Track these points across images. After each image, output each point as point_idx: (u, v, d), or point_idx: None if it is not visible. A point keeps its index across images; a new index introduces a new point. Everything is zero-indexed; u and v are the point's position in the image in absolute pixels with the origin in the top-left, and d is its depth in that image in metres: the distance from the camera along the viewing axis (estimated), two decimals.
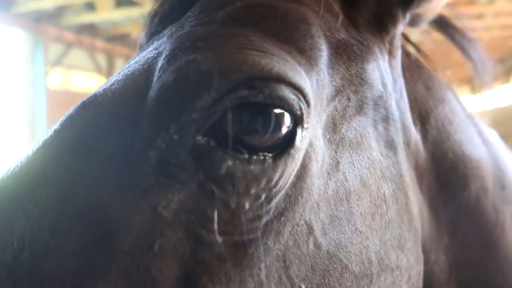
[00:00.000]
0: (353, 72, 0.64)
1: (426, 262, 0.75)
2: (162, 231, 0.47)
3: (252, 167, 0.48)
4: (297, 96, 0.50)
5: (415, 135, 0.78)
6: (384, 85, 0.70)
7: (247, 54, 0.50)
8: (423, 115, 0.82)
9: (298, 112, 0.50)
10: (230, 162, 0.48)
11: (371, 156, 0.63)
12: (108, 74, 13.83)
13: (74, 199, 0.48)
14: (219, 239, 0.47)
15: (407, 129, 0.75)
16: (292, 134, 0.50)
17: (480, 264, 0.82)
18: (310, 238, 0.52)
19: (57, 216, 0.47)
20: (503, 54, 15.43)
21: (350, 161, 0.60)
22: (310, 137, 0.54)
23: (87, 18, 11.79)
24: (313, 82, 0.56)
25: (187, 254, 0.47)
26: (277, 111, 0.49)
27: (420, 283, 0.71)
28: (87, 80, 14.01)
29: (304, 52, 0.57)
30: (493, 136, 1.00)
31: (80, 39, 13.02)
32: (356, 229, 0.58)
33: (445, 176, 0.80)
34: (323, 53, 0.60)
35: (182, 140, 0.48)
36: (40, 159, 0.51)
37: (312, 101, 0.53)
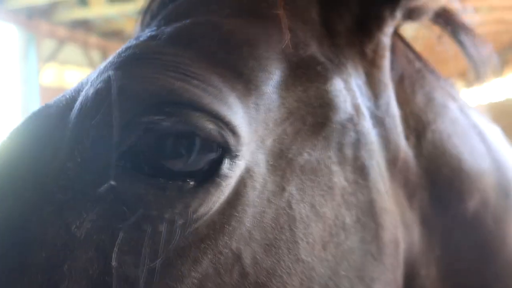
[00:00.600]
0: (311, 94, 0.60)
1: (416, 277, 0.73)
2: (73, 249, 0.46)
3: (167, 192, 0.46)
4: (217, 125, 0.48)
5: (405, 151, 0.73)
6: (355, 106, 0.65)
7: (163, 76, 0.49)
8: (419, 129, 0.77)
9: (220, 140, 0.49)
10: (142, 186, 0.47)
11: (329, 182, 0.59)
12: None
13: (0, 208, 0.48)
14: (129, 261, 0.46)
15: (393, 146, 0.71)
16: (217, 162, 0.49)
17: (477, 273, 0.79)
18: (235, 267, 0.50)
19: None
20: (497, 49, 15.45)
21: (300, 188, 0.57)
22: (247, 163, 0.52)
23: (81, 14, 11.69)
24: (249, 107, 0.54)
25: (96, 275, 0.46)
26: (194, 139, 0.47)
27: None
28: (81, 76, 13.90)
29: (241, 76, 0.54)
30: (497, 139, 0.94)
31: (74, 35, 12.92)
32: (298, 259, 0.54)
33: (439, 192, 0.76)
34: (272, 75, 0.57)
35: (97, 157, 0.48)
36: None
37: (242, 129, 0.51)
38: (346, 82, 0.65)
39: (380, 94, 0.71)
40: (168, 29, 0.57)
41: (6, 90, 12.08)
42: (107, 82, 0.48)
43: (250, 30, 0.58)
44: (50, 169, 0.49)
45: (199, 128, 0.48)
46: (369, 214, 0.63)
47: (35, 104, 11.86)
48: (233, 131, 0.50)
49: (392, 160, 0.70)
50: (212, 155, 0.49)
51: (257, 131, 0.55)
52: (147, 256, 0.46)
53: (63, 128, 0.51)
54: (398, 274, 0.67)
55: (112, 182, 0.46)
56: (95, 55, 14.16)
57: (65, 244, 0.46)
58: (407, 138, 0.75)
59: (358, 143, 0.64)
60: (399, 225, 0.69)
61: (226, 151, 0.50)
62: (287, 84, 0.58)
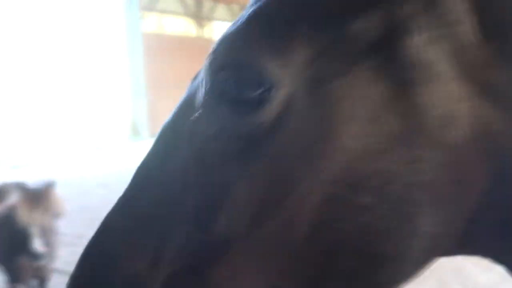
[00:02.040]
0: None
1: None
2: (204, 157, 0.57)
3: (240, 113, 0.54)
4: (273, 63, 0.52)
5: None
6: None
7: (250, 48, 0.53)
8: None
9: (272, 75, 0.52)
10: (226, 110, 0.54)
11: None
12: (196, 16, 14.13)
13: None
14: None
15: None
16: (269, 90, 0.52)
17: None
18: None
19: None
20: None
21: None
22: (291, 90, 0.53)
23: None
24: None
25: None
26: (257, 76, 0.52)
27: None
28: (177, 24, 14.51)
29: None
30: None
31: None
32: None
33: None
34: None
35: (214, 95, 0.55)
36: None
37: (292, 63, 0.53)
38: None
39: None
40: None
41: (112, 38, 13.03)
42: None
43: None
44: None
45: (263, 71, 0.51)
46: None
47: (139, 49, 12.69)
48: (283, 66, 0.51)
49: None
50: (267, 85, 0.51)
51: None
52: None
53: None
54: None
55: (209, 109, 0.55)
56: (191, 4, 14.59)
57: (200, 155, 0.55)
58: None
59: None
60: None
61: (274, 82, 0.51)
62: None
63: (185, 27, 14.66)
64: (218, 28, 16.03)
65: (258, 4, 0.54)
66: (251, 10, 0.54)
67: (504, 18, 0.50)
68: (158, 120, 12.72)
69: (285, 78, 0.50)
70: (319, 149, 0.48)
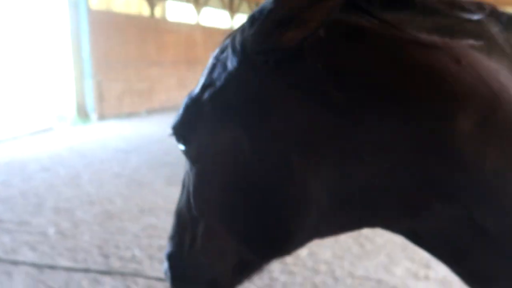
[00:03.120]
0: None
1: None
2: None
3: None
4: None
5: None
6: None
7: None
8: None
9: None
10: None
11: None
12: None
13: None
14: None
15: None
16: None
17: None
18: None
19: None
20: None
21: None
22: None
23: None
24: None
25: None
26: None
27: None
28: (128, 2, 13.90)
29: None
30: None
31: None
32: None
33: None
34: None
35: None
36: None
37: None
38: None
39: None
40: None
41: (56, 14, 12.25)
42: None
43: None
44: None
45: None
46: None
47: (84, 27, 12.03)
48: None
49: None
50: None
51: None
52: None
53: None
54: None
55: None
56: None
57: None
58: None
59: None
60: None
61: None
62: None
63: (136, 5, 14.11)
64: (171, 7, 15.58)
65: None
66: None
67: None
68: (107, 102, 12.25)
69: (193, 137, 0.79)
70: None
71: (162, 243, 4.07)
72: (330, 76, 0.62)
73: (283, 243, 0.73)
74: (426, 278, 3.36)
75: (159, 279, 3.43)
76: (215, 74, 0.71)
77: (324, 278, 3.38)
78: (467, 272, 0.66)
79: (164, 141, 8.61)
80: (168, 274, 0.93)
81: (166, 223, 4.51)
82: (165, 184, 5.84)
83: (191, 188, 0.78)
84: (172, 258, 0.91)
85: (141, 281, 3.44)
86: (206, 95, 0.72)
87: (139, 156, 7.47)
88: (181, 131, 0.78)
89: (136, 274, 3.51)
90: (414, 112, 0.60)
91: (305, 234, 0.72)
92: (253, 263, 0.81)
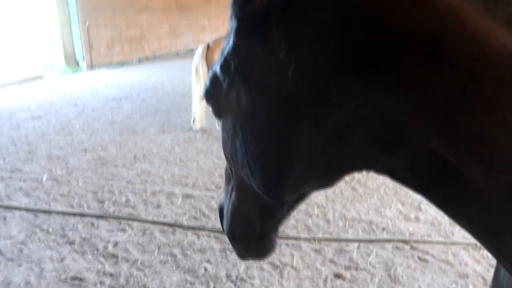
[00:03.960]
0: None
1: None
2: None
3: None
4: None
5: None
6: None
7: None
8: None
9: None
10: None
11: None
12: None
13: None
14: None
15: None
16: None
17: None
18: None
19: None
20: None
21: None
22: None
23: None
24: None
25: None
26: None
27: None
28: None
29: None
30: None
31: None
32: None
33: None
34: None
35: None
36: None
37: None
38: None
39: None
40: None
41: None
42: None
43: None
44: None
45: None
46: None
47: None
48: None
49: None
50: None
51: None
52: None
53: None
54: None
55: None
56: None
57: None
58: None
59: None
60: None
61: None
62: None
63: None
64: None
65: None
66: None
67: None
68: (96, 51, 11.89)
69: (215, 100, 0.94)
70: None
71: (156, 188, 4.09)
72: (288, 39, 0.69)
73: (280, 186, 0.81)
74: (417, 219, 3.43)
75: (153, 222, 3.48)
76: (225, 45, 0.83)
77: (316, 221, 3.44)
78: (440, 202, 0.71)
79: (157, 88, 8.47)
80: (220, 220, 1.10)
81: (159, 169, 4.52)
82: (158, 131, 5.79)
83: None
84: (221, 206, 1.08)
85: (135, 224, 3.48)
86: (218, 66, 0.85)
87: (131, 103, 7.36)
88: (208, 96, 0.92)
89: (130, 218, 3.55)
90: (366, 55, 0.63)
91: (298, 178, 0.80)
92: (272, 207, 0.93)
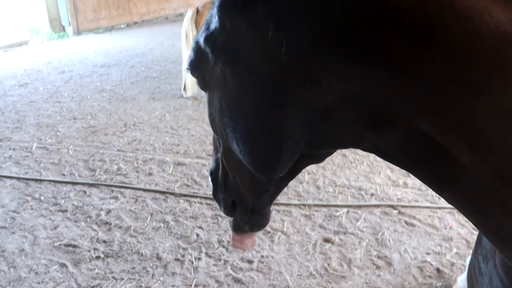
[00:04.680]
0: None
1: None
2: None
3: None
4: None
5: None
6: None
7: None
8: None
9: None
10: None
11: None
12: None
13: None
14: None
15: None
16: None
17: None
18: None
19: None
20: None
21: None
22: None
23: None
24: None
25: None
26: None
27: None
28: None
29: None
30: None
31: None
32: None
33: None
34: None
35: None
36: None
37: None
38: None
39: None
40: None
41: None
42: None
43: None
44: None
45: None
46: None
47: None
48: None
49: None
50: None
51: None
52: None
53: None
54: None
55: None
56: None
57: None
58: None
59: None
60: None
61: None
62: None
63: None
64: None
65: None
66: None
67: None
68: (82, 15, 11.51)
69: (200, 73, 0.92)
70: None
71: (147, 156, 4.10)
72: (275, 19, 0.66)
73: (270, 164, 0.81)
74: (405, 185, 3.50)
75: (145, 190, 3.51)
76: (209, 17, 0.80)
77: (307, 187, 3.49)
78: (427, 179, 0.73)
79: (146, 54, 8.29)
80: (211, 187, 1.11)
81: (150, 137, 4.50)
82: (148, 99, 5.73)
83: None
84: (211, 173, 1.09)
85: (127, 192, 3.51)
86: (202, 38, 0.81)
87: (120, 70, 7.22)
88: (192, 68, 0.89)
89: (123, 186, 3.57)
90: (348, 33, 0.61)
91: (287, 157, 0.79)
92: (263, 182, 0.93)
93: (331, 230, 2.95)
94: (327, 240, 2.86)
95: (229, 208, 1.07)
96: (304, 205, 3.24)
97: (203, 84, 0.88)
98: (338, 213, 3.14)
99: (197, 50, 0.85)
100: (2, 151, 4.31)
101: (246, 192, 0.97)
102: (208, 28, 0.80)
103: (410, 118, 0.62)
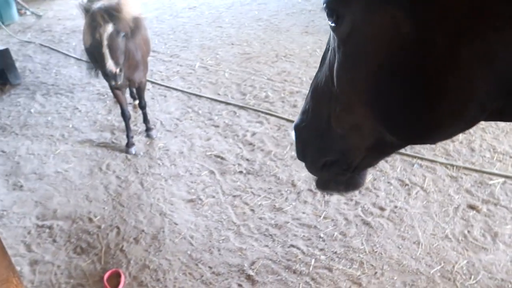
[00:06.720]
0: None
1: None
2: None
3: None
4: None
5: None
6: None
7: None
8: None
9: None
10: None
11: None
12: None
13: None
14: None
15: None
16: None
17: None
18: None
19: None
20: None
21: None
22: None
23: None
24: None
25: None
26: None
27: None
28: None
29: None
30: None
31: None
32: None
33: None
34: None
35: None
36: None
37: None
38: None
39: None
40: None
41: None
42: None
43: None
44: None
45: None
46: None
47: None
48: None
49: None
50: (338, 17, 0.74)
51: None
52: None
53: None
54: None
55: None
56: None
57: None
58: None
59: None
60: None
61: None
62: None
63: None
64: None
65: None
66: None
67: None
68: None
69: (347, 13, 0.71)
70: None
71: (294, 88, 4.21)
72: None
73: (430, 130, 0.70)
74: None
75: (288, 120, 3.66)
76: None
77: (459, 147, 3.20)
78: None
79: None
80: (294, 143, 1.02)
81: (299, 70, 4.58)
82: (301, 32, 5.74)
83: (336, 66, 0.77)
84: (299, 129, 0.97)
85: (272, 119, 3.71)
86: None
87: (278, 1, 7.30)
88: (334, 4, 0.71)
89: (268, 113, 3.79)
90: None
91: (457, 124, 0.68)
92: (391, 145, 0.81)
93: (479, 197, 2.71)
94: (472, 207, 2.64)
95: (319, 167, 0.98)
96: (452, 165, 3.00)
97: (348, 31, 0.71)
98: (491, 182, 2.84)
99: None
100: (172, 65, 4.91)
101: (359, 153, 0.87)
102: None
103: None
